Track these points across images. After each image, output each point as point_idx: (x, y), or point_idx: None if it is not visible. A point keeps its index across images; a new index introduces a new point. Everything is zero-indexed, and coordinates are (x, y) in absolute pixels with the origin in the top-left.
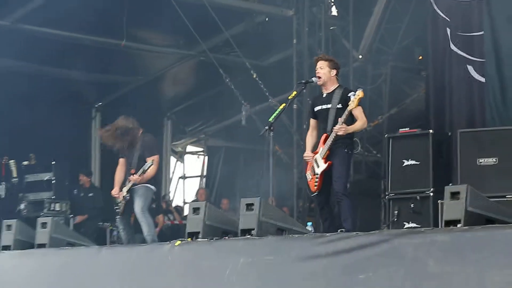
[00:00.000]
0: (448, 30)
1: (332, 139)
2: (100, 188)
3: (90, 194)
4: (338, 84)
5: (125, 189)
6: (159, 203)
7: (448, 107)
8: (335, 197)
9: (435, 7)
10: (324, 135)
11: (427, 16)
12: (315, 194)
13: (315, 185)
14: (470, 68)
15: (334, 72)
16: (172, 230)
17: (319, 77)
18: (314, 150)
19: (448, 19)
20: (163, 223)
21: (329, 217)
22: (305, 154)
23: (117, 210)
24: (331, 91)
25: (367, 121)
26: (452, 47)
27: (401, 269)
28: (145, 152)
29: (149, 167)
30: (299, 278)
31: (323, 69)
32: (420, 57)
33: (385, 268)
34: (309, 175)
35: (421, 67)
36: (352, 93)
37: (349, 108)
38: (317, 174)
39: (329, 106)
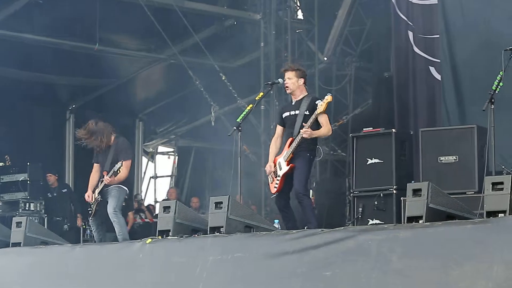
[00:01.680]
0: (411, 33)
1: (297, 143)
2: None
3: (64, 190)
4: (306, 93)
5: (97, 191)
6: (129, 202)
7: (412, 107)
8: (296, 197)
9: (397, 11)
10: (290, 138)
11: (390, 19)
12: (274, 195)
13: (275, 187)
14: (432, 69)
15: (301, 80)
16: (144, 228)
17: (287, 87)
18: (278, 155)
19: (410, 22)
20: (133, 221)
21: (292, 219)
22: (267, 166)
23: (89, 212)
24: (299, 98)
25: (331, 130)
26: (415, 49)
27: (366, 265)
28: (118, 155)
29: (119, 168)
30: (267, 274)
31: (291, 79)
32: (386, 75)
33: (350, 265)
34: (270, 178)
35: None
36: (319, 100)
37: (317, 111)
38: (279, 176)
39: (297, 112)
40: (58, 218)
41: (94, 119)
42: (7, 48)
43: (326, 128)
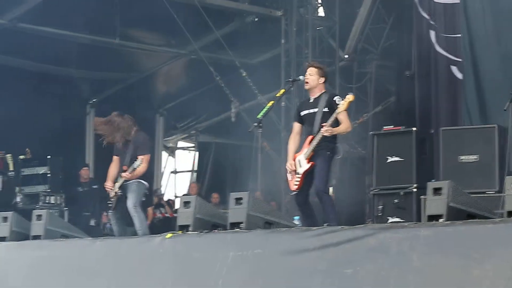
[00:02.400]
0: (433, 32)
1: (317, 141)
2: None
3: (95, 186)
4: (324, 90)
5: (117, 185)
6: (149, 197)
7: (433, 106)
8: (317, 195)
9: (420, 9)
10: (310, 136)
11: (411, 17)
12: (294, 193)
13: (295, 184)
14: (453, 68)
15: (322, 80)
16: (164, 223)
17: (307, 82)
18: (297, 152)
19: (432, 21)
20: (152, 216)
21: (311, 215)
22: (287, 164)
23: (109, 205)
24: (317, 96)
25: (351, 126)
26: (437, 48)
27: (386, 263)
28: (137, 150)
29: (138, 165)
30: (287, 271)
31: (312, 75)
32: (407, 74)
33: (371, 262)
34: (289, 175)
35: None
36: (338, 97)
37: (338, 110)
38: (299, 174)
39: (315, 110)
40: (86, 213)
41: (117, 113)
42: (28, 41)
43: (345, 125)
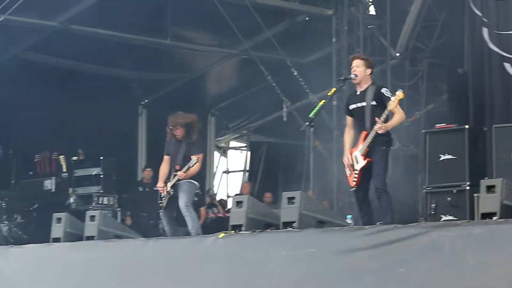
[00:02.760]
0: (485, 29)
1: (371, 137)
2: None
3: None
4: (371, 82)
5: (169, 185)
6: (201, 197)
7: (487, 104)
8: (375, 193)
9: (472, 6)
10: (364, 132)
11: (463, 15)
12: (353, 189)
13: (354, 181)
14: (507, 65)
15: (369, 71)
16: (216, 223)
17: (355, 75)
18: (353, 147)
19: (485, 18)
20: (205, 216)
21: (368, 212)
22: (344, 159)
23: (160, 205)
24: (364, 89)
25: (404, 114)
26: (490, 45)
27: (439, 262)
28: (190, 149)
29: (194, 164)
30: (340, 270)
31: (359, 67)
32: (460, 71)
33: (424, 261)
34: (348, 170)
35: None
36: (385, 88)
37: (389, 108)
38: (356, 170)
39: (364, 104)
40: (143, 214)
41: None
42: (80, 43)
43: (399, 115)
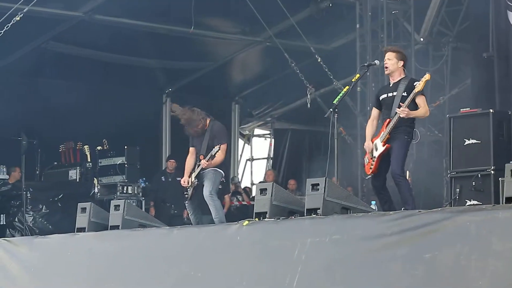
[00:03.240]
0: (510, 13)
1: (394, 123)
2: None
3: (179, 179)
4: (405, 75)
5: (193, 175)
6: (226, 185)
7: None
8: (394, 178)
9: None
10: (387, 120)
11: None
12: (369, 176)
13: (370, 168)
14: None
15: (401, 63)
16: (241, 210)
17: (386, 67)
18: (374, 137)
19: (510, 2)
20: (229, 204)
21: (388, 200)
22: (365, 144)
23: (185, 195)
24: (397, 80)
25: (428, 111)
26: None
27: (465, 247)
28: (214, 140)
29: (216, 152)
30: (367, 257)
31: (390, 60)
32: (485, 55)
33: (450, 247)
34: (366, 159)
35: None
36: (417, 82)
37: (415, 90)
38: (374, 157)
39: (394, 94)
40: (167, 204)
41: (186, 108)
42: (104, 33)
43: (423, 109)
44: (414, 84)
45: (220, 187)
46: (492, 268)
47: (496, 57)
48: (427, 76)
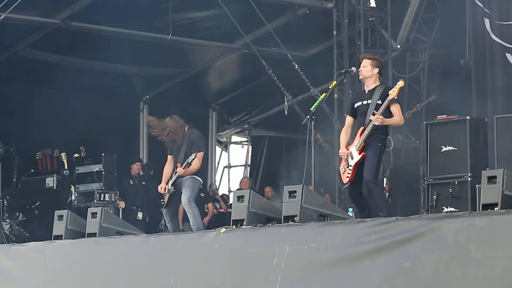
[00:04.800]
0: (487, 20)
1: (368, 131)
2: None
3: (143, 183)
4: (380, 82)
5: (170, 182)
6: (208, 193)
7: (489, 94)
8: (366, 186)
9: None
10: (362, 128)
11: (463, 6)
12: (347, 185)
13: (347, 177)
14: (508, 55)
15: (376, 70)
16: (218, 218)
17: (361, 74)
18: (349, 145)
19: (486, 9)
20: (212, 211)
21: (366, 207)
22: (340, 151)
23: (162, 203)
24: (372, 88)
25: (403, 119)
26: (492, 35)
27: (444, 254)
28: (191, 148)
29: (193, 159)
30: (345, 265)
31: (365, 67)
32: (462, 62)
33: (428, 254)
34: (342, 168)
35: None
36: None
37: (389, 97)
38: (350, 166)
39: (369, 101)
40: (133, 207)
41: (169, 116)
42: (81, 39)
43: (398, 117)
44: (389, 92)
45: (202, 195)
46: (472, 276)
47: (472, 63)
48: (401, 83)
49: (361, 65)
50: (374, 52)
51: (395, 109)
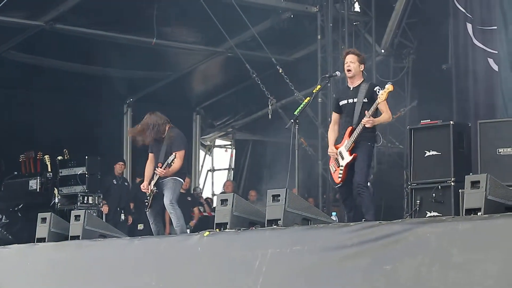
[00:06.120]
0: (470, 25)
1: (358, 132)
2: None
3: (126, 183)
4: (363, 79)
5: (152, 183)
6: (194, 197)
7: (471, 99)
8: (357, 189)
9: (456, 3)
10: (350, 128)
11: (448, 11)
12: (338, 185)
13: (339, 177)
14: (490, 60)
15: (362, 66)
16: (202, 221)
17: (349, 70)
18: (337, 143)
19: (469, 14)
20: (199, 215)
21: (353, 208)
22: (329, 150)
23: (145, 203)
24: (357, 85)
25: (392, 116)
26: (474, 41)
27: (426, 258)
28: (172, 147)
29: (172, 160)
30: (327, 268)
31: (353, 63)
32: (444, 67)
33: (410, 258)
34: (332, 167)
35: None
36: (378, 87)
37: (378, 101)
38: (342, 166)
39: (355, 100)
40: (117, 208)
41: (150, 112)
42: (65, 42)
43: (386, 115)
44: (375, 89)
45: (189, 198)
46: (453, 280)
47: (454, 68)
48: (390, 87)
49: (348, 61)
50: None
51: (382, 106)
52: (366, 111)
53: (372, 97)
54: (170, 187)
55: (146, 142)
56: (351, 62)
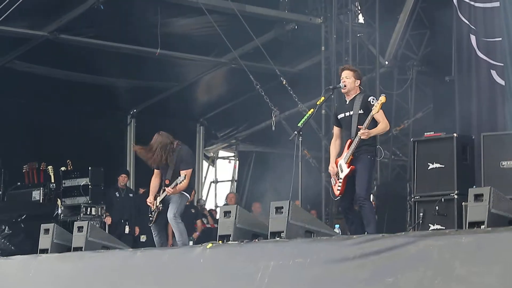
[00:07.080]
0: (473, 37)
1: (355, 144)
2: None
3: (130, 195)
4: (359, 92)
5: (158, 199)
6: (198, 210)
7: (474, 111)
8: (357, 201)
9: (459, 14)
10: (349, 140)
11: (451, 23)
12: (338, 198)
13: (338, 190)
14: (493, 72)
15: (358, 82)
16: (206, 233)
17: (345, 86)
18: (339, 157)
19: (473, 26)
20: (202, 227)
21: (355, 221)
22: (329, 167)
23: (150, 218)
24: (352, 98)
25: (389, 124)
26: (478, 52)
27: (428, 271)
28: (180, 164)
29: (181, 181)
30: (329, 280)
31: (349, 78)
32: (447, 79)
33: (413, 271)
34: (333, 180)
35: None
36: (372, 97)
37: (372, 112)
38: (340, 179)
39: (351, 112)
40: (121, 221)
41: (156, 133)
42: (70, 52)
43: (383, 124)
44: (369, 100)
45: (193, 211)
46: None
47: (457, 80)
48: (382, 99)
49: (344, 76)
50: (362, 68)
51: (379, 116)
52: (359, 126)
53: (367, 107)
54: (176, 201)
55: (153, 162)
56: (346, 77)
